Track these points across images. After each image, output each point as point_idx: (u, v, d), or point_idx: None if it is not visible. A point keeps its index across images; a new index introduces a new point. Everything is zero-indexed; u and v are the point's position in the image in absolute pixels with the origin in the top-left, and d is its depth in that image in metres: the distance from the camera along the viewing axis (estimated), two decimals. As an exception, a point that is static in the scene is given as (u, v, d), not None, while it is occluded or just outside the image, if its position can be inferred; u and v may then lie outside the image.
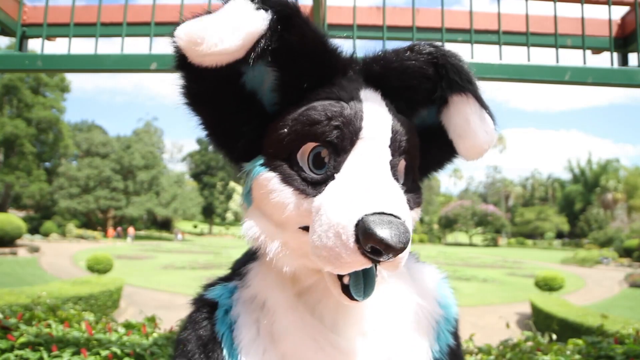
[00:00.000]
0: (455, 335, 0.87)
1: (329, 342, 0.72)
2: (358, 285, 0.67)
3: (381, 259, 0.60)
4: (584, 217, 56.95)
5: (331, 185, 0.68)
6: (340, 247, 0.61)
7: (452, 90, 0.78)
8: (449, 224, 56.70)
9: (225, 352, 0.76)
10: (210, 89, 0.74)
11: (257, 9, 0.67)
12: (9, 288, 7.85)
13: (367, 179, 0.66)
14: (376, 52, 0.83)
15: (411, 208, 0.75)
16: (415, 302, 0.82)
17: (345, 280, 0.67)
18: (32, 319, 3.24)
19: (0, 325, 2.85)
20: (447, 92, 0.78)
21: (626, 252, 31.40)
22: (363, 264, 0.62)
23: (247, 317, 0.78)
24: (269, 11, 0.67)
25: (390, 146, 0.72)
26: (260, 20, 0.66)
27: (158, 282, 14.50)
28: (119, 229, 38.42)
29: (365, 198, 0.62)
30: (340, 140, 0.70)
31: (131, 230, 37.64)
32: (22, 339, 2.71)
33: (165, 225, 51.10)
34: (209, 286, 0.87)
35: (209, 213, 56.18)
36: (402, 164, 0.77)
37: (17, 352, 2.63)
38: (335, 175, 0.69)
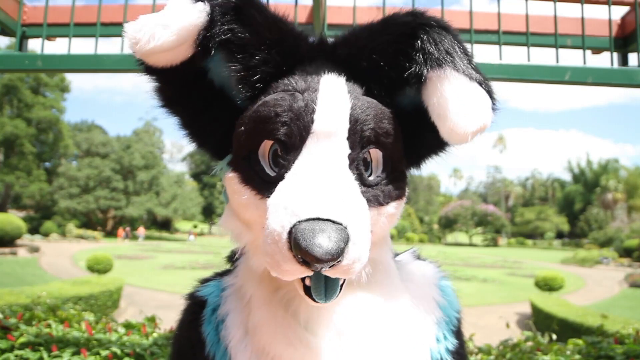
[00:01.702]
0: (458, 333, 0.83)
1: (299, 339, 0.69)
2: (318, 288, 0.63)
3: (316, 269, 0.57)
4: (584, 217, 56.96)
5: (279, 185, 0.64)
6: (277, 254, 0.58)
7: (427, 65, 0.67)
8: (449, 224, 56.68)
9: (210, 352, 0.76)
10: (177, 89, 0.72)
11: (195, 1, 0.65)
12: (9, 288, 7.85)
13: (309, 179, 0.62)
14: (347, 31, 0.76)
15: (381, 203, 0.70)
16: (408, 303, 0.78)
17: (307, 282, 0.64)
18: (32, 319, 3.24)
19: (0, 325, 2.85)
20: (421, 68, 0.67)
21: (626, 252, 31.38)
22: (302, 271, 0.58)
23: (236, 315, 0.77)
24: (206, 3, 0.65)
25: (348, 138, 0.66)
26: (196, 13, 0.64)
27: (158, 282, 14.50)
28: (128, 229, 38.49)
29: (301, 202, 0.58)
30: (289, 137, 0.66)
31: (141, 230, 37.84)
32: (22, 339, 2.71)
33: (165, 225, 51.10)
34: (204, 281, 0.87)
35: (209, 213, 56.17)
36: (376, 154, 0.70)
37: (17, 352, 2.63)
38: (286, 175, 0.65)
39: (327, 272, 0.58)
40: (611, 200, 55.89)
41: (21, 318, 3.18)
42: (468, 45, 0.72)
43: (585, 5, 1.93)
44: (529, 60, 1.85)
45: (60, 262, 18.69)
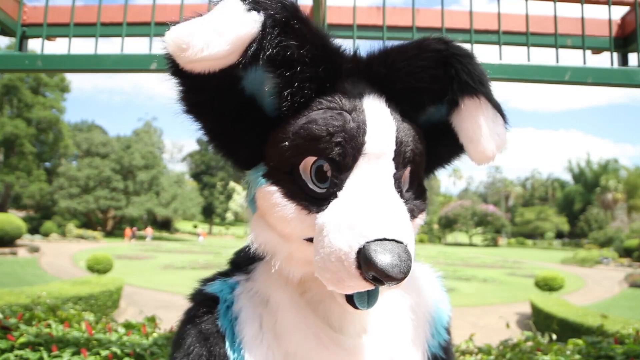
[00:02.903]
0: (449, 331, 0.89)
1: (332, 340, 0.73)
2: (362, 297, 0.68)
3: (386, 286, 0.61)
4: (584, 217, 56.97)
5: (333, 204, 0.67)
6: (342, 272, 0.62)
7: (463, 92, 0.73)
8: (449, 224, 56.71)
9: (227, 346, 0.75)
10: (207, 96, 0.71)
11: (249, 10, 0.63)
12: (9, 288, 7.86)
13: (369, 200, 0.65)
14: (381, 50, 0.78)
15: (415, 216, 0.75)
16: (412, 301, 0.83)
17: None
18: (32, 319, 3.24)
19: (0, 325, 2.85)
20: (458, 94, 0.74)
21: (626, 252, 31.39)
22: (366, 287, 0.62)
23: (249, 312, 0.77)
24: (261, 12, 0.64)
25: (394, 159, 0.70)
26: (251, 23, 0.63)
27: (158, 282, 14.50)
28: (135, 228, 38.56)
29: (367, 223, 0.62)
30: (342, 158, 0.68)
31: (149, 230, 37.89)
32: (22, 339, 2.71)
33: (165, 225, 51.12)
34: (207, 281, 0.86)
35: (209, 213, 56.20)
36: (407, 172, 0.75)
37: (17, 352, 2.63)
38: (338, 193, 0.68)
39: (387, 286, 0.62)
40: (611, 200, 55.89)
41: (21, 318, 3.18)
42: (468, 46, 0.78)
43: (585, 5, 1.93)
44: (529, 60, 1.85)
45: (60, 262, 18.69)
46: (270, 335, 0.75)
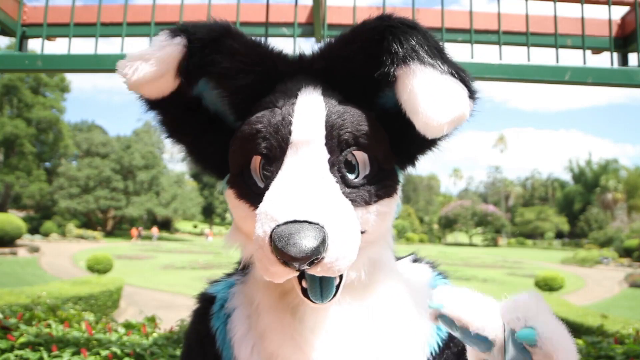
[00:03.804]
0: None
1: (306, 342, 0.72)
2: (314, 288, 0.67)
3: (300, 269, 0.60)
4: (584, 217, 56.98)
5: (265, 196, 0.67)
6: (264, 259, 0.62)
7: (394, 64, 0.67)
8: (449, 224, 56.70)
9: (219, 345, 0.80)
10: (176, 119, 0.79)
11: (173, 36, 0.71)
12: (9, 288, 7.85)
13: (287, 185, 0.65)
14: (323, 44, 0.79)
15: (369, 203, 0.72)
16: (408, 303, 0.80)
17: (304, 284, 0.67)
18: (32, 319, 3.24)
19: (0, 325, 2.85)
20: (389, 67, 0.68)
21: (626, 252, 31.39)
22: (287, 272, 0.61)
23: (241, 311, 0.81)
24: (183, 36, 0.71)
25: (326, 144, 0.70)
26: (174, 46, 0.71)
27: (158, 282, 14.50)
28: (140, 228, 38.71)
29: (279, 207, 0.62)
30: (270, 150, 0.71)
31: (155, 230, 38.07)
32: (22, 339, 2.71)
33: (165, 225, 51.14)
34: (214, 282, 0.92)
35: (209, 213, 56.20)
36: (361, 156, 0.73)
37: (17, 352, 2.63)
38: (270, 185, 0.68)
39: (311, 270, 0.61)
40: (611, 200, 55.90)
41: (21, 318, 3.19)
42: (436, 37, 0.72)
43: (585, 5, 1.93)
44: (529, 60, 1.85)
45: (60, 262, 18.69)
46: (256, 334, 0.78)
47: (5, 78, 35.76)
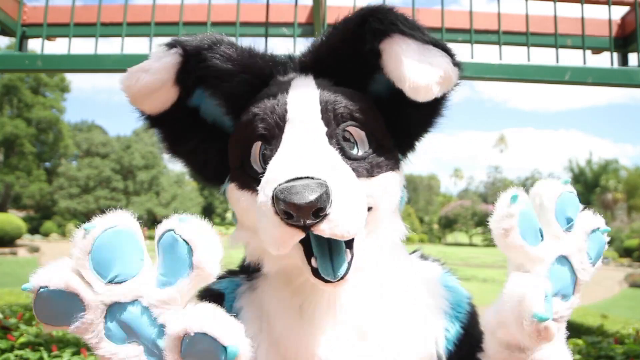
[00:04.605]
0: (471, 315, 0.84)
1: (321, 344, 0.71)
2: (325, 264, 0.65)
3: (304, 223, 0.59)
4: (584, 217, 56.89)
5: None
6: (268, 224, 0.62)
7: (377, 39, 0.73)
8: (449, 224, 56.69)
9: None
10: (177, 133, 0.82)
11: (169, 48, 0.76)
12: (9, 288, 7.85)
13: (288, 153, 0.67)
14: (311, 43, 0.84)
15: (372, 174, 0.73)
16: (417, 300, 0.79)
17: (313, 263, 0.66)
18: (32, 319, 3.24)
19: (0, 325, 2.85)
20: (373, 43, 0.74)
21: (626, 252, 31.38)
22: (293, 234, 0.61)
23: (250, 312, 0.79)
24: (179, 47, 0.76)
25: (322, 118, 0.72)
26: (170, 55, 0.75)
27: (158, 282, 14.50)
28: (144, 228, 38.77)
29: (279, 170, 0.63)
30: (268, 130, 0.73)
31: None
32: (22, 339, 2.71)
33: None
34: (217, 278, 0.88)
35: (209, 213, 56.21)
36: (357, 132, 0.75)
37: (17, 352, 2.63)
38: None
39: (317, 228, 0.60)
40: (611, 200, 55.90)
41: (21, 318, 3.19)
42: (413, 18, 0.78)
43: (585, 5, 1.93)
44: (529, 60, 1.85)
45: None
46: (268, 340, 0.76)
47: (5, 78, 35.75)
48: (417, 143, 0.86)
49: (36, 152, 39.54)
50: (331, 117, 0.73)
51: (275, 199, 0.59)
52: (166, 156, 0.88)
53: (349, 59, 0.78)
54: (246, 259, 0.89)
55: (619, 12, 2.21)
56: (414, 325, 0.76)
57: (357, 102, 0.76)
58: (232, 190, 0.78)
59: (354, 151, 0.74)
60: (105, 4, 2.04)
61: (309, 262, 0.66)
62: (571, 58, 2.04)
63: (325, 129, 0.72)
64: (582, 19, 1.89)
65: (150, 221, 47.30)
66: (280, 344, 0.74)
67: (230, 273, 0.90)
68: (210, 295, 0.84)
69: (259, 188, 0.66)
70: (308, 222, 0.59)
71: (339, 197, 0.61)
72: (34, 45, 2.22)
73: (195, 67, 0.76)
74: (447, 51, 0.74)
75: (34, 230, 31.50)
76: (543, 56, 1.97)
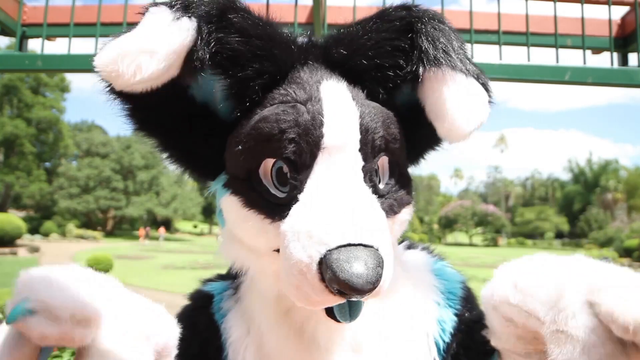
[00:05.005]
0: (467, 299, 0.79)
1: (313, 352, 0.68)
2: (343, 309, 0.60)
3: (354, 299, 0.54)
4: (584, 217, 56.97)
5: (294, 209, 0.59)
6: (306, 286, 0.54)
7: (424, 64, 0.64)
8: (449, 224, 56.69)
9: (223, 340, 0.76)
10: (155, 112, 0.65)
11: (179, 18, 0.57)
12: (9, 288, 7.85)
13: (330, 200, 0.57)
14: (339, 30, 0.70)
15: (396, 212, 0.66)
16: (409, 294, 0.75)
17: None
18: (32, 319, 3.23)
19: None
20: (418, 67, 0.64)
21: (626, 252, 31.40)
22: (335, 301, 0.55)
23: (237, 315, 0.77)
24: (193, 18, 0.58)
25: (361, 150, 0.61)
26: (184, 32, 0.57)
27: (158, 282, 14.50)
28: (148, 228, 38.91)
29: (328, 228, 0.54)
30: (299, 156, 0.60)
31: (162, 230, 38.36)
32: (22, 339, 2.71)
33: (165, 225, 51.18)
34: (207, 281, 0.87)
35: (209, 213, 56.17)
36: (383, 161, 0.67)
37: (17, 352, 2.63)
38: (299, 196, 0.59)
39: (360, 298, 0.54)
40: (611, 200, 55.90)
41: (21, 318, 3.18)
42: (461, 35, 0.69)
43: (585, 5, 1.93)
44: (529, 60, 1.85)
45: (60, 262, 18.60)
46: (255, 343, 0.73)
47: (5, 78, 35.76)
48: (421, 159, 0.80)
49: (36, 152, 39.56)
50: (369, 150, 0.62)
51: (330, 273, 0.51)
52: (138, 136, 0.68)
53: (385, 66, 0.67)
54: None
55: (619, 12, 2.21)
56: (407, 328, 0.72)
57: (392, 129, 0.66)
58: (232, 203, 0.65)
59: (380, 185, 0.66)
60: (105, 4, 2.04)
61: None
62: (571, 58, 2.04)
63: (362, 163, 0.61)
64: (582, 19, 1.89)
65: (151, 221, 47.35)
66: (268, 351, 0.71)
67: (221, 277, 0.87)
68: (199, 296, 0.83)
69: (288, 232, 0.57)
70: (357, 298, 0.53)
71: (388, 265, 0.55)
72: (34, 45, 2.22)
73: (207, 45, 0.59)
74: (486, 86, 0.66)
75: (34, 230, 31.51)
76: (543, 56, 1.97)
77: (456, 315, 0.77)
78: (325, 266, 0.52)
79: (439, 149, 0.78)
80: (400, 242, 0.87)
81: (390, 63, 0.67)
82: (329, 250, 0.52)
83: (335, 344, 0.68)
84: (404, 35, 0.66)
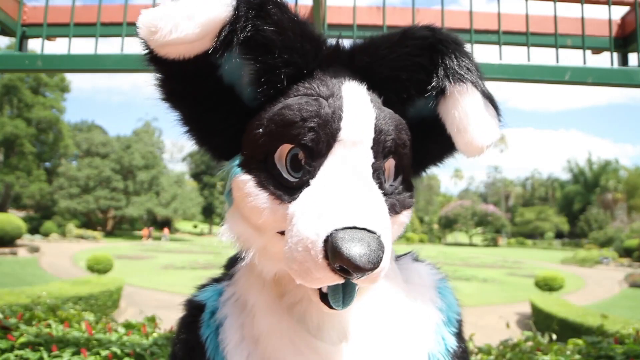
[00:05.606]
0: (459, 336, 0.82)
1: (307, 345, 0.69)
2: (336, 295, 0.63)
3: (352, 278, 0.57)
4: (584, 217, 56.92)
5: (305, 192, 0.64)
6: (309, 262, 0.58)
7: (449, 80, 0.70)
8: (449, 224, 56.67)
9: (209, 355, 0.76)
10: (184, 84, 0.70)
11: None
12: (9, 288, 7.85)
13: (341, 187, 0.62)
14: (365, 40, 0.77)
15: (397, 212, 0.71)
16: (409, 306, 0.77)
17: (324, 289, 0.63)
18: (32, 319, 3.24)
19: (0, 325, 2.85)
20: (444, 82, 0.71)
21: (626, 252, 31.37)
22: (334, 279, 0.58)
23: (233, 320, 0.77)
24: None
25: (372, 148, 0.67)
26: (223, 6, 0.63)
27: (158, 282, 14.49)
28: (151, 228, 39.02)
29: (337, 210, 0.58)
30: (316, 144, 0.65)
31: (166, 230, 38.34)
32: (22, 339, 2.71)
33: (165, 225, 51.18)
34: (201, 287, 0.87)
35: (209, 213, 56.15)
36: (390, 163, 0.72)
37: (17, 352, 2.63)
38: (311, 181, 0.64)
39: (358, 280, 0.58)
40: (611, 200, 55.90)
41: (21, 318, 3.19)
42: (468, 45, 0.75)
43: (585, 5, 1.93)
44: (529, 60, 1.85)
45: (60, 262, 18.68)
46: (250, 342, 0.74)
47: (5, 78, 35.75)
48: (424, 171, 0.86)
49: (36, 152, 39.56)
50: (380, 149, 0.68)
51: (333, 247, 0.55)
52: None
53: (405, 79, 0.74)
54: (228, 262, 0.87)
55: (619, 12, 2.21)
56: (399, 331, 0.74)
57: (403, 135, 0.71)
58: (245, 182, 0.68)
59: (386, 185, 0.71)
60: (105, 4, 2.04)
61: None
62: (571, 58, 2.04)
63: (373, 160, 0.67)
64: (582, 19, 1.90)
65: (151, 221, 47.32)
66: (264, 347, 0.72)
67: (215, 280, 0.87)
68: (191, 307, 0.84)
69: (294, 210, 0.62)
70: (357, 277, 0.57)
71: (387, 252, 0.59)
72: (34, 45, 2.22)
73: (243, 27, 0.64)
74: (497, 108, 0.73)
75: (34, 230, 31.50)
76: (543, 56, 1.96)
77: (455, 335, 0.80)
78: (330, 244, 0.56)
79: (439, 165, 0.85)
80: (406, 253, 0.90)
81: (409, 76, 0.73)
82: (336, 230, 0.56)
83: (324, 330, 0.71)
84: (425, 53, 0.72)
